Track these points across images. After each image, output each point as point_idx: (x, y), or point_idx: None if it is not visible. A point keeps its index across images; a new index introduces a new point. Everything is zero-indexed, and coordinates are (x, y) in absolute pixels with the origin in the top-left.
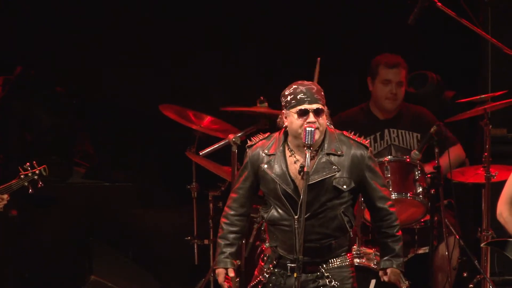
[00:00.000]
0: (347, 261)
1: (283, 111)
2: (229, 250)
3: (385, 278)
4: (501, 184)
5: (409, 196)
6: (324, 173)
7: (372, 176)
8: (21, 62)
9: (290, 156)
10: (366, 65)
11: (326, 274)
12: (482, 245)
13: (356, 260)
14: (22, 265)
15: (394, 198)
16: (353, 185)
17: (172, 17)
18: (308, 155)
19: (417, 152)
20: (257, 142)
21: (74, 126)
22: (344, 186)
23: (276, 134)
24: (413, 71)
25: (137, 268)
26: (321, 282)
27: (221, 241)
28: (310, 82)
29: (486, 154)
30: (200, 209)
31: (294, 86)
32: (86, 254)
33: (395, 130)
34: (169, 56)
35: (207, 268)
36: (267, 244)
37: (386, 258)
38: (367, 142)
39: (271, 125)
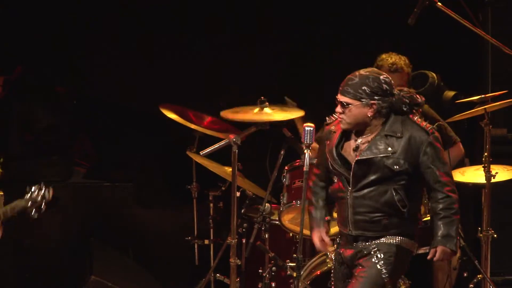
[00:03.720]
0: (396, 241)
1: None
2: (317, 213)
3: (435, 257)
4: (501, 184)
5: None
6: (376, 151)
7: (430, 161)
8: (21, 62)
9: (351, 135)
10: (366, 65)
11: (373, 246)
12: None
13: None
14: (22, 265)
15: None
16: (406, 166)
17: (172, 17)
18: (307, 155)
19: None
20: (334, 121)
21: (74, 126)
22: (396, 167)
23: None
24: (413, 71)
25: (137, 268)
26: (365, 252)
27: (311, 209)
28: (364, 73)
29: (486, 154)
30: (201, 209)
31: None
32: (86, 254)
33: None
34: (170, 56)
35: (208, 268)
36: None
37: (438, 237)
38: (430, 127)
39: (272, 126)
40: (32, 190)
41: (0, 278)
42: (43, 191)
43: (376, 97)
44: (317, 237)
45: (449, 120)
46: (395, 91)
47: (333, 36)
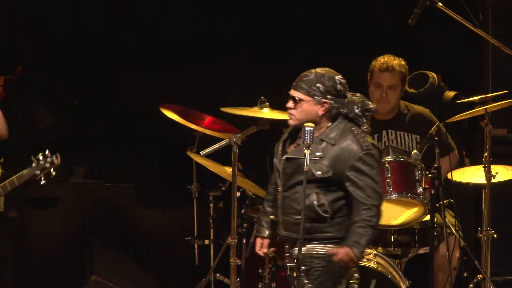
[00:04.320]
0: (321, 252)
1: None
2: (264, 219)
3: (337, 256)
4: (501, 185)
5: (409, 196)
6: (301, 153)
7: (357, 176)
8: (21, 62)
9: (295, 131)
10: (366, 65)
11: (300, 257)
12: None
13: None
14: (22, 265)
15: (394, 198)
16: (330, 174)
17: (172, 16)
18: (307, 155)
19: (417, 153)
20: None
21: (74, 126)
22: (318, 172)
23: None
24: (413, 71)
25: (137, 268)
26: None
27: (261, 211)
28: (320, 71)
29: (486, 154)
30: (201, 209)
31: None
32: (87, 254)
33: (393, 132)
34: (170, 56)
35: (208, 268)
36: None
37: (348, 241)
38: (367, 143)
39: (272, 125)
40: (39, 158)
41: (0, 278)
42: (51, 158)
43: (329, 96)
44: (258, 245)
45: (449, 120)
46: (348, 94)
47: (333, 37)
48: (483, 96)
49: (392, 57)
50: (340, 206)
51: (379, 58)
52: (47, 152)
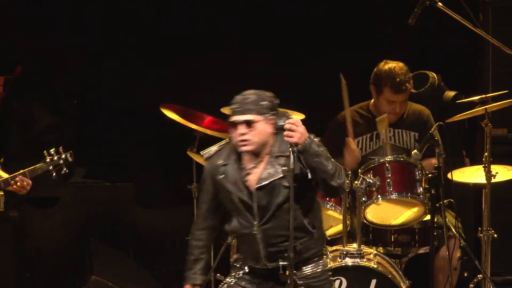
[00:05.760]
0: (320, 268)
1: None
2: (197, 266)
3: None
4: (501, 184)
5: (409, 196)
6: (273, 173)
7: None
8: (21, 62)
9: (243, 163)
10: (366, 65)
11: (299, 282)
12: None
13: (357, 260)
14: (22, 265)
15: (394, 198)
16: (299, 173)
17: (172, 16)
18: (292, 155)
19: (417, 152)
20: (213, 153)
21: (74, 126)
22: (295, 183)
23: (230, 142)
24: (413, 71)
25: (137, 268)
26: None
27: (189, 257)
28: (254, 91)
29: (486, 154)
30: None
31: (236, 96)
32: (87, 254)
33: (391, 129)
34: (171, 56)
35: (208, 268)
36: (235, 256)
37: None
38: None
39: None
40: (52, 153)
41: (0, 278)
42: (64, 155)
43: (271, 112)
44: None
45: (450, 120)
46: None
47: (333, 37)
48: (483, 96)
49: (401, 72)
50: (315, 212)
51: (390, 72)
52: (60, 148)
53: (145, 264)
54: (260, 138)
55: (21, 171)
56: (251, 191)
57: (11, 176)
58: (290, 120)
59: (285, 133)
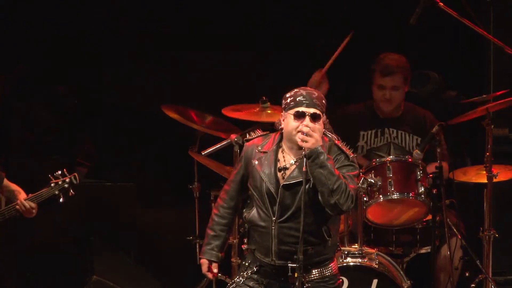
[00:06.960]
0: (329, 272)
1: (282, 112)
2: (215, 242)
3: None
4: (503, 184)
5: (411, 196)
6: (301, 175)
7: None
8: (21, 62)
9: (281, 157)
10: (366, 65)
11: (307, 285)
12: None
13: (358, 260)
14: (22, 265)
15: (395, 198)
16: None
17: (172, 16)
18: (305, 159)
19: (419, 152)
20: (254, 138)
21: (75, 126)
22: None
23: (273, 134)
24: (414, 71)
25: (138, 268)
26: None
27: (209, 232)
28: (313, 89)
29: (488, 154)
30: (202, 209)
31: (295, 90)
32: (88, 254)
33: (395, 131)
34: (171, 56)
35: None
36: (246, 246)
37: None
38: (353, 154)
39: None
40: (58, 177)
41: (0, 278)
42: (69, 178)
43: (324, 112)
44: (206, 267)
45: (452, 121)
46: None
47: (333, 37)
48: (484, 95)
49: (393, 58)
50: (333, 221)
51: (381, 58)
52: (64, 171)
53: (146, 264)
54: (319, 135)
55: (28, 197)
56: (279, 186)
57: (13, 205)
58: (310, 125)
59: (301, 137)
